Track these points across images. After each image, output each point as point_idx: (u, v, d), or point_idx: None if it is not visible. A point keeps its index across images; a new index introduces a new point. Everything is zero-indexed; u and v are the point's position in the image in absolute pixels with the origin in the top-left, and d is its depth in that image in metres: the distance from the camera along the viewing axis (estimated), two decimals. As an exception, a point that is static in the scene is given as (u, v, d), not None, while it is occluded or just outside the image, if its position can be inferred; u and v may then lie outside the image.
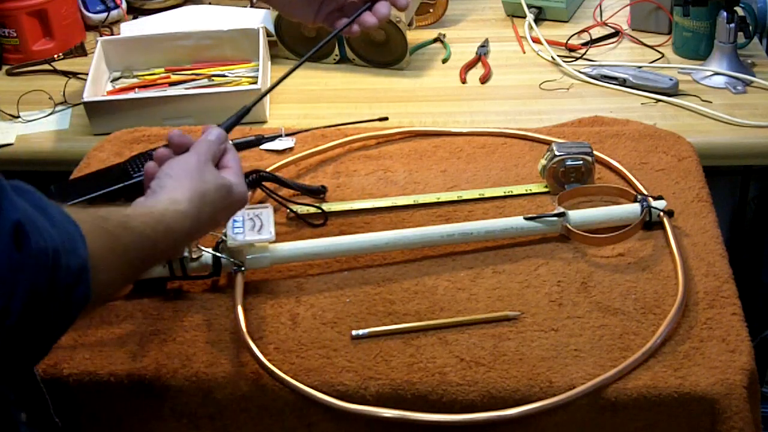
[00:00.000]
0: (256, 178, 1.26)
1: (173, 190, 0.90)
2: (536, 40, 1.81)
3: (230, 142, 1.02)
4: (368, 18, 1.11)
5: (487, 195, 1.28)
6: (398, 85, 1.72)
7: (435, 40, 1.86)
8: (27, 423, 0.90)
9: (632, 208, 1.20)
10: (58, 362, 1.04)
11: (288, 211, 1.26)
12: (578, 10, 1.93)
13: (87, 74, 1.64)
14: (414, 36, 1.84)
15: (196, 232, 0.93)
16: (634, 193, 1.23)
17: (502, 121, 1.54)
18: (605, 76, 1.67)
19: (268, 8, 1.78)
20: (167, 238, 0.87)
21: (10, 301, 0.64)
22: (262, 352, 1.04)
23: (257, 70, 1.65)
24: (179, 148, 0.97)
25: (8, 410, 0.88)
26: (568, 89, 1.66)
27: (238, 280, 1.11)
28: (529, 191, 1.29)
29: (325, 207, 1.27)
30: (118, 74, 1.74)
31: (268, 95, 1.65)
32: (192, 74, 1.71)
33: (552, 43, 1.78)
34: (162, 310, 1.11)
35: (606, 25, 1.85)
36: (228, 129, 1.02)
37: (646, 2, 1.79)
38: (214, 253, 1.12)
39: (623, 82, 1.64)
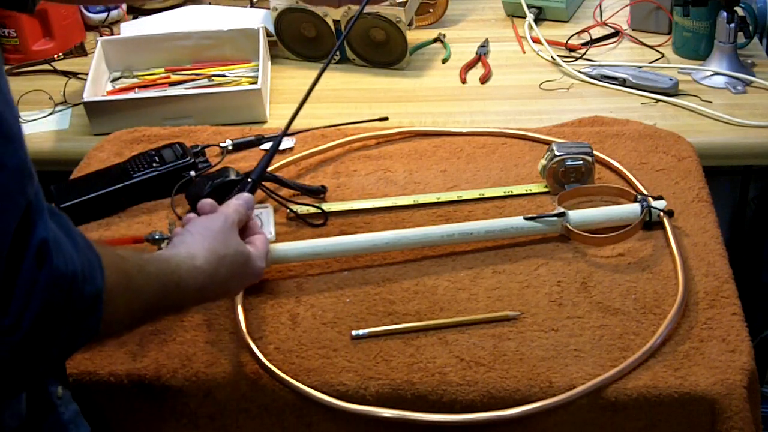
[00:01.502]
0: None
1: (192, 245, 0.92)
2: (536, 40, 1.80)
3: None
4: None
5: (487, 195, 1.28)
6: (398, 85, 1.72)
7: (435, 40, 1.86)
8: (62, 398, 0.90)
9: (632, 208, 1.20)
10: (58, 362, 1.04)
11: (288, 211, 1.26)
12: (578, 10, 1.93)
13: (87, 74, 1.64)
14: (414, 36, 1.84)
15: (207, 292, 0.93)
16: (634, 193, 1.23)
17: (502, 121, 1.54)
18: (605, 76, 1.67)
19: (269, 8, 1.78)
20: (179, 290, 0.87)
21: (21, 318, 0.65)
22: (262, 352, 1.04)
23: (257, 70, 1.65)
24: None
25: (43, 383, 0.89)
26: (568, 89, 1.66)
27: (238, 280, 1.11)
28: (529, 191, 1.29)
29: (325, 207, 1.27)
30: (118, 74, 1.74)
31: (268, 95, 1.65)
32: (192, 74, 1.71)
33: (552, 43, 1.78)
34: (162, 310, 1.11)
35: (606, 25, 1.85)
36: (257, 181, 1.07)
37: (646, 2, 1.79)
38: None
39: (623, 82, 1.64)
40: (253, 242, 1.01)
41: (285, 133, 1.13)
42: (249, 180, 1.08)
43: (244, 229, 1.02)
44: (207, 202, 1.01)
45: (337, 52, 1.77)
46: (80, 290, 0.69)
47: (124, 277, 0.77)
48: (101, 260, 0.73)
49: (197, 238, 0.93)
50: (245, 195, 1.03)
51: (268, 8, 1.78)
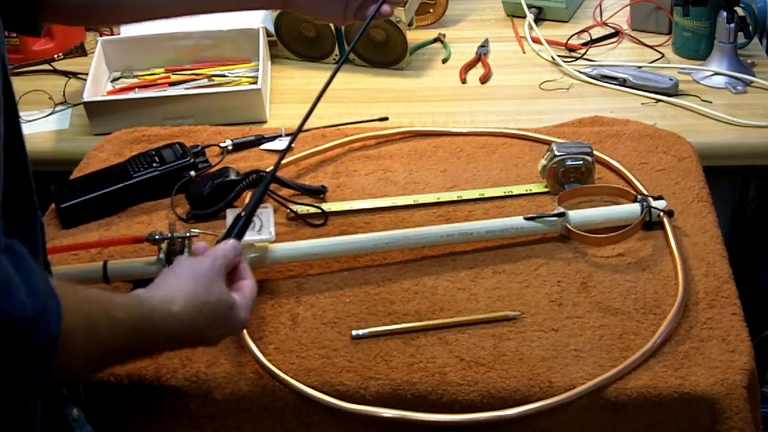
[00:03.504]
0: (256, 178, 1.26)
1: (172, 287, 0.87)
2: (536, 40, 1.80)
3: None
4: None
5: (487, 195, 1.28)
6: (398, 85, 1.72)
7: (435, 40, 1.86)
8: (78, 419, 0.90)
9: (632, 208, 1.20)
10: (58, 362, 1.04)
11: (288, 211, 1.26)
12: (578, 10, 1.93)
13: (87, 74, 1.64)
14: (414, 36, 1.83)
15: (183, 339, 0.88)
16: (634, 193, 1.23)
17: (502, 121, 1.54)
18: (605, 76, 1.67)
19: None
20: (150, 336, 0.83)
21: None
22: (262, 352, 1.04)
23: (257, 70, 1.65)
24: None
25: (59, 405, 0.88)
26: (568, 89, 1.66)
27: (238, 280, 1.11)
28: (529, 191, 1.29)
29: (325, 207, 1.27)
30: (118, 74, 1.74)
31: (268, 95, 1.65)
32: (192, 74, 1.71)
33: (552, 43, 1.78)
34: (162, 310, 1.11)
35: (606, 25, 1.85)
36: (249, 218, 1.00)
37: (646, 2, 1.79)
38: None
39: (623, 82, 1.64)
40: (240, 288, 0.95)
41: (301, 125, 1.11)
42: (242, 216, 1.00)
43: (234, 271, 0.96)
44: (201, 245, 0.96)
45: (337, 53, 1.77)
46: (30, 336, 0.66)
47: (87, 323, 0.74)
48: (60, 306, 0.69)
49: (181, 280, 0.88)
50: (232, 241, 0.97)
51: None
